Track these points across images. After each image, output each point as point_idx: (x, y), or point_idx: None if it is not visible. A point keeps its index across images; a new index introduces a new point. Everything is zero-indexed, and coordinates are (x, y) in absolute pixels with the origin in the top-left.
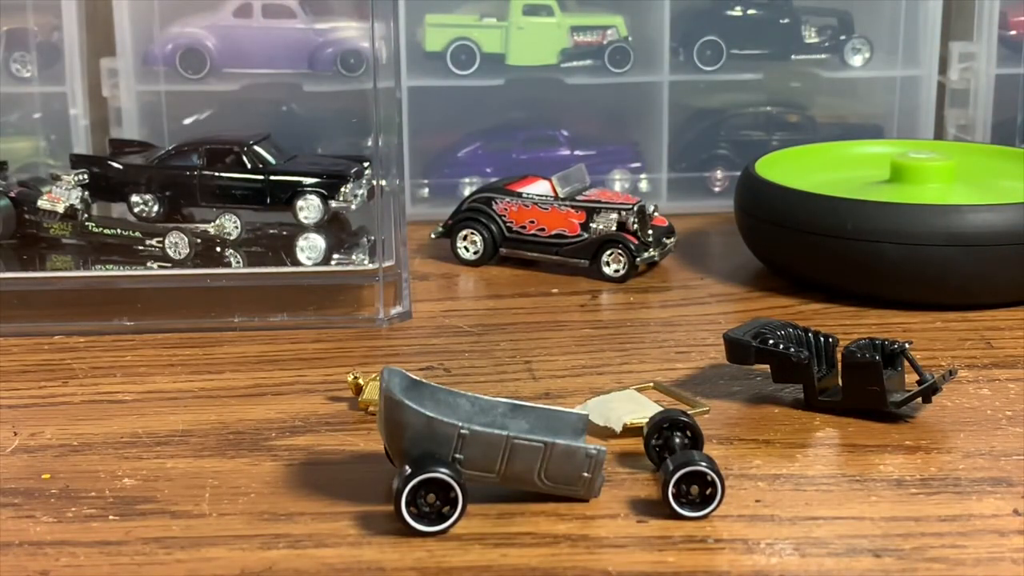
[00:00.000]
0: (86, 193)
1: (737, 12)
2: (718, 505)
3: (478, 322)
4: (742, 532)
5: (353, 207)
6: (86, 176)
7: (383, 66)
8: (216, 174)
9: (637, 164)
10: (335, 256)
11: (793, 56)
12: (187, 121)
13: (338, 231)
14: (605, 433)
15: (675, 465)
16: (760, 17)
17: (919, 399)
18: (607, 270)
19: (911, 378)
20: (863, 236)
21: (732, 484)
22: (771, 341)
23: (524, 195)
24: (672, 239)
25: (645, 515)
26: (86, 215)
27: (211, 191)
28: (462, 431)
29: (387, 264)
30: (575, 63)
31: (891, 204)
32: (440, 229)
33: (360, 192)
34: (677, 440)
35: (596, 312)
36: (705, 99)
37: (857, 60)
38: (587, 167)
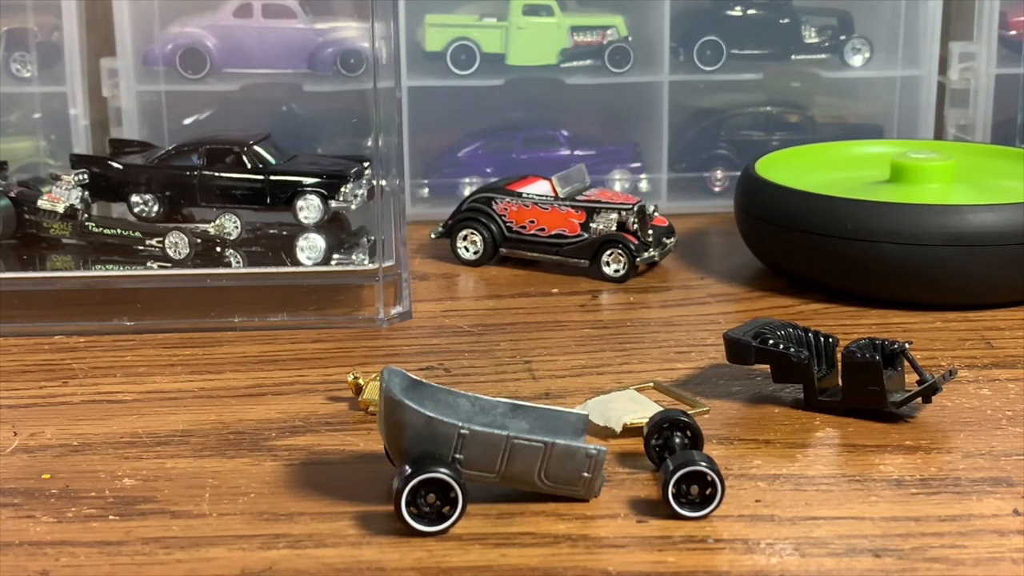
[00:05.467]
0: (86, 193)
1: (737, 12)
2: (718, 505)
3: (478, 322)
4: (742, 532)
5: (353, 207)
6: (86, 176)
7: (383, 66)
8: (216, 174)
9: (637, 164)
10: (335, 256)
11: (793, 56)
12: (187, 121)
13: (338, 231)
14: (605, 433)
15: (675, 465)
16: (760, 17)
17: (919, 399)
18: (607, 270)
19: (911, 378)
20: (863, 236)
21: (732, 484)
22: (771, 341)
23: (524, 195)
24: (672, 239)
25: (645, 515)
26: (86, 215)
27: (211, 191)
28: (462, 431)
29: (387, 264)
30: (575, 63)
31: (891, 204)
32: (440, 229)
33: (360, 192)
34: (677, 440)
35: (596, 312)
36: (705, 99)
37: (857, 60)
38: (587, 167)
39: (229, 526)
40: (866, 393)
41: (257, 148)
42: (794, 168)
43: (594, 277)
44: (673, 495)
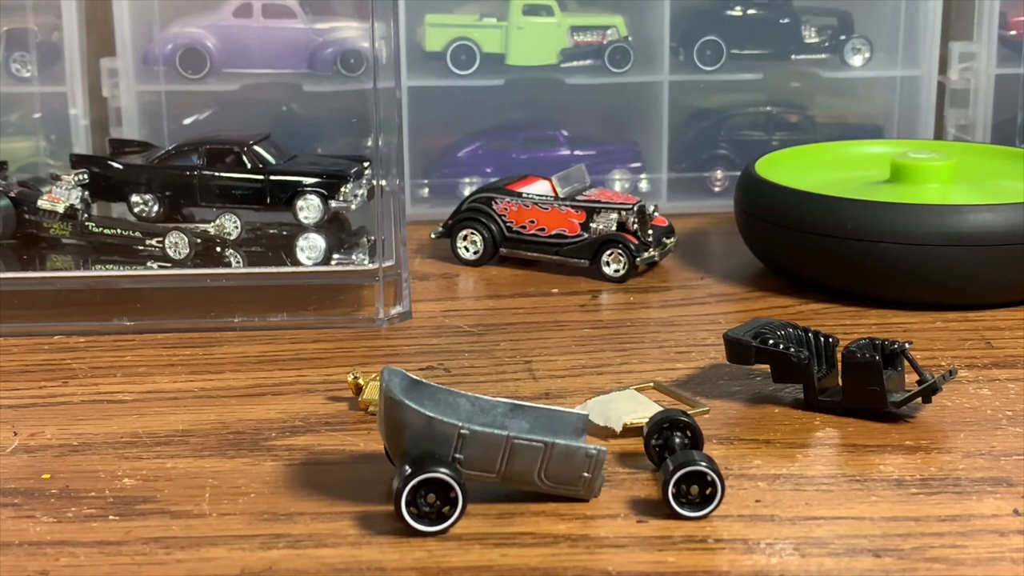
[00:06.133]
0: (86, 193)
1: (737, 12)
2: (718, 505)
3: (478, 322)
4: (742, 532)
5: (353, 207)
6: (86, 176)
7: (383, 66)
8: (216, 174)
9: (637, 164)
10: (335, 256)
11: (793, 56)
12: (187, 121)
13: (338, 231)
14: (605, 433)
15: (675, 465)
16: (760, 17)
17: (919, 399)
18: (607, 270)
19: (911, 378)
20: (863, 236)
21: (732, 484)
22: (771, 341)
23: (524, 195)
24: (672, 239)
25: (645, 515)
26: (86, 215)
27: (211, 191)
28: (462, 431)
29: (387, 264)
30: (575, 63)
31: (891, 204)
32: (440, 229)
33: (360, 192)
34: (677, 440)
35: (596, 312)
36: (705, 99)
37: (857, 60)
38: (587, 167)
39: (229, 526)
40: (866, 393)
41: (257, 148)
42: (794, 168)
43: (594, 277)
44: (673, 495)
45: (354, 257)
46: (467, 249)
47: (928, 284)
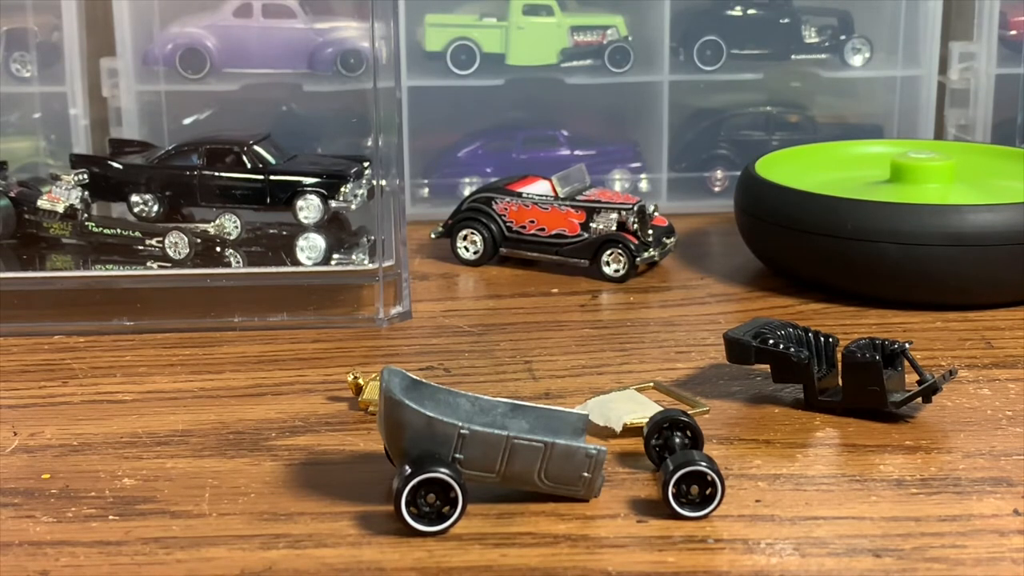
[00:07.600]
0: (86, 193)
1: (737, 12)
2: (718, 505)
3: (478, 322)
4: (742, 532)
5: (353, 207)
6: (86, 176)
7: (383, 66)
8: (216, 174)
9: (637, 164)
10: (335, 256)
11: (793, 56)
12: (187, 121)
13: (338, 231)
14: (605, 433)
15: (675, 465)
16: (760, 17)
17: (919, 399)
18: (607, 270)
19: (911, 378)
20: (863, 236)
21: (732, 484)
22: (771, 341)
23: (524, 195)
24: (672, 239)
25: (645, 515)
26: (86, 215)
27: (211, 191)
28: (462, 431)
29: (387, 264)
30: (575, 63)
31: (891, 204)
32: (440, 229)
33: (360, 192)
34: (677, 440)
35: (596, 312)
36: (705, 99)
37: (857, 60)
38: (587, 167)
39: (229, 526)
40: (866, 393)
41: (257, 148)
42: (794, 168)
43: (594, 277)
44: (673, 495)
45: (354, 257)
46: (467, 249)
47: (928, 284)
